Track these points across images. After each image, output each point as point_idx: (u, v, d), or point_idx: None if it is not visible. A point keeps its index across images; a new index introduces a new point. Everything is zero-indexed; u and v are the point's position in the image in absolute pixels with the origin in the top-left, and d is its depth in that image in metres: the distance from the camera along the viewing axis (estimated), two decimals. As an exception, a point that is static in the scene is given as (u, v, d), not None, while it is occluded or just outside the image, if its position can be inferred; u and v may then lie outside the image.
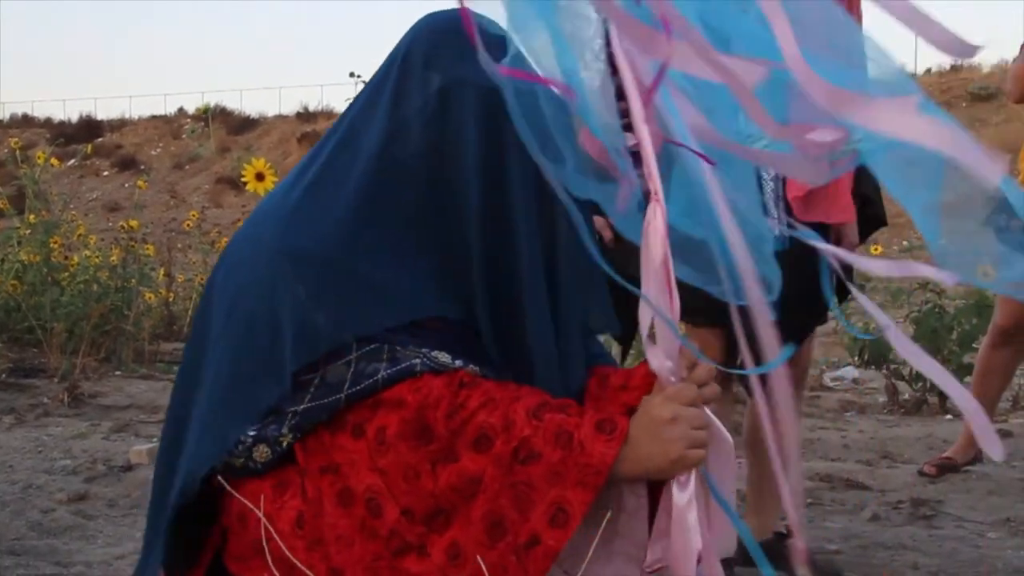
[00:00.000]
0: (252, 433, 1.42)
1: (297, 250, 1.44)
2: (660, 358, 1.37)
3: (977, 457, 3.88)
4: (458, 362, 1.42)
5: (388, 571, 1.36)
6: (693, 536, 1.34)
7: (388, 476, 1.37)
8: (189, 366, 1.56)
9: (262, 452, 1.43)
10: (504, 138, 1.43)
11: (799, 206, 2.39)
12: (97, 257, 6.88)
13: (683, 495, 1.35)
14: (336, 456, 1.41)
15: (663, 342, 1.36)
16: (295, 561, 1.39)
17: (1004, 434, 4.55)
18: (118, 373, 5.82)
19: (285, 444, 1.42)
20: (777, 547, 2.59)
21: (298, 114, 36.01)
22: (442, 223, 1.46)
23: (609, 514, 1.38)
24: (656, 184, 1.32)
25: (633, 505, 1.40)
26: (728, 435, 1.44)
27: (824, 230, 2.42)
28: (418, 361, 1.40)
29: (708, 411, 1.40)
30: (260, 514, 1.41)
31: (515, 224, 1.45)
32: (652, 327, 1.35)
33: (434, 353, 1.42)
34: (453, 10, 1.51)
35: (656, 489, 1.39)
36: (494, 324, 1.46)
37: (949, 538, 2.96)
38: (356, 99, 1.58)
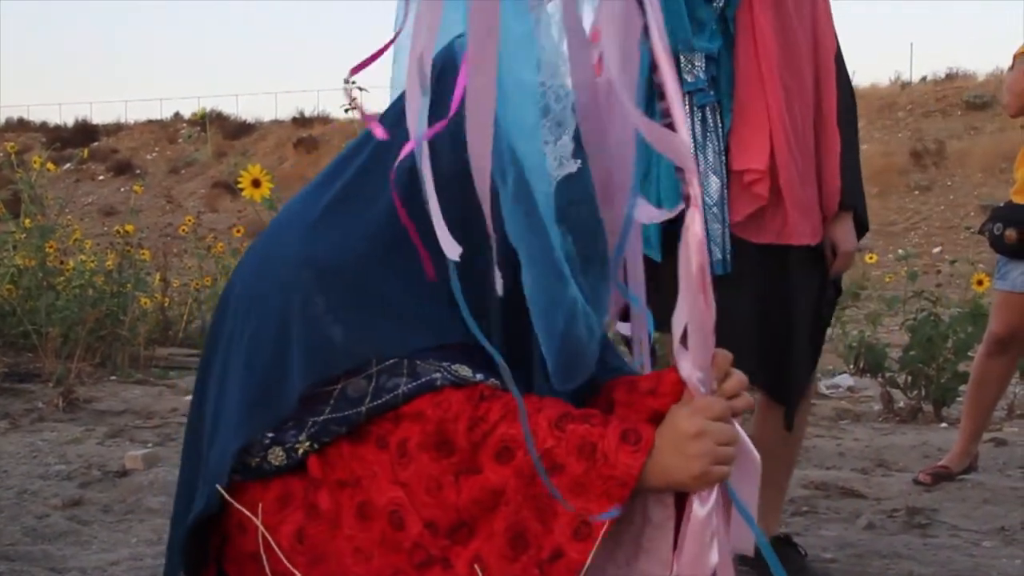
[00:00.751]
0: (270, 435, 1.42)
1: (320, 262, 1.42)
2: (691, 367, 1.34)
3: (972, 466, 3.89)
4: (479, 375, 1.41)
5: None
6: (709, 551, 1.32)
7: (410, 489, 1.36)
8: (203, 374, 1.56)
9: (277, 455, 1.42)
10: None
11: (749, 229, 2.36)
12: (93, 262, 6.87)
13: (703, 509, 1.33)
14: (356, 469, 1.39)
15: (696, 351, 1.33)
16: (297, 574, 1.38)
17: (999, 443, 4.55)
18: (113, 378, 5.81)
19: (301, 452, 1.42)
20: (777, 551, 2.59)
21: (294, 119, 36.01)
22: (465, 250, 1.44)
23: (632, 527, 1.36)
24: (696, 189, 1.30)
25: (660, 517, 1.37)
26: (755, 450, 1.41)
27: (784, 249, 2.39)
28: (439, 375, 1.39)
29: (737, 425, 1.38)
30: (258, 522, 1.41)
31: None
32: (685, 334, 1.32)
33: (455, 367, 1.40)
34: None
35: (683, 497, 1.37)
36: (509, 353, 1.42)
37: (944, 547, 2.96)
38: (387, 114, 1.55)
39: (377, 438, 1.39)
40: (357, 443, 1.40)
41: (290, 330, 1.41)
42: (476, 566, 1.32)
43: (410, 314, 1.42)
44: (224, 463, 1.42)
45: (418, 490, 1.35)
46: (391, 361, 1.40)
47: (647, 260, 2.19)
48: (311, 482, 1.42)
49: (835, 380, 6.53)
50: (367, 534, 1.37)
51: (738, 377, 1.41)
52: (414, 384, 1.38)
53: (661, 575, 1.36)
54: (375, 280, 1.43)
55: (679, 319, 1.31)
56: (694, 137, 2.35)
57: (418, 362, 1.40)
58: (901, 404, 5.42)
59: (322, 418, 1.40)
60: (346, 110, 5.58)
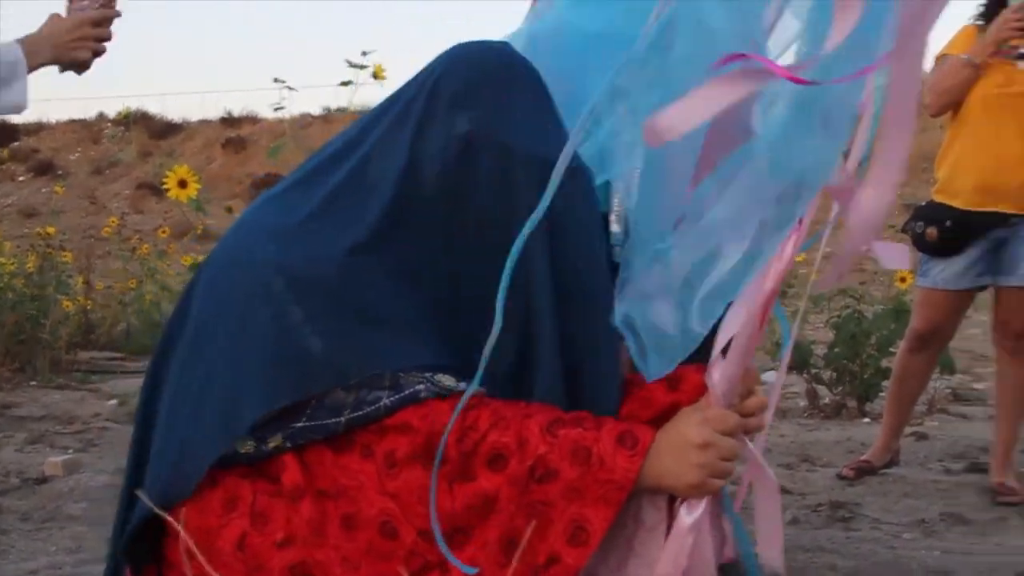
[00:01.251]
0: None
1: (297, 270, 1.39)
2: (721, 377, 1.34)
3: (894, 460, 3.96)
4: (462, 384, 1.38)
5: None
6: (681, 560, 1.33)
7: (401, 499, 1.34)
8: (154, 379, 1.51)
9: (246, 445, 1.39)
10: (517, 200, 1.40)
11: None
12: (12, 264, 6.72)
13: (689, 517, 1.34)
14: (341, 478, 1.37)
15: (731, 364, 1.33)
16: None
17: (920, 437, 4.64)
18: (33, 383, 5.68)
19: (272, 446, 1.38)
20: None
21: (222, 119, 35.52)
22: (450, 273, 1.41)
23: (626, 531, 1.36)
24: (808, 213, 1.29)
25: (653, 519, 1.37)
26: (771, 474, 1.43)
27: None
28: (422, 387, 1.36)
29: (750, 444, 1.40)
30: (179, 528, 1.37)
31: (531, 292, 1.40)
32: (729, 345, 1.33)
33: (437, 376, 1.38)
34: (493, 44, 1.47)
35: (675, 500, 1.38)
36: (499, 376, 1.41)
37: (866, 540, 3.01)
38: (376, 119, 1.51)
39: (362, 447, 1.37)
40: (340, 452, 1.37)
41: (264, 341, 1.37)
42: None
43: (392, 325, 1.39)
44: (189, 483, 1.38)
45: (410, 500, 1.34)
46: (372, 373, 1.37)
47: None
48: (291, 491, 1.38)
49: (762, 377, 6.61)
50: (353, 544, 1.35)
51: (760, 399, 1.42)
52: (397, 397, 1.36)
53: None
54: (356, 290, 1.39)
55: (727, 329, 1.31)
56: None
57: (400, 373, 1.37)
58: (826, 400, 5.50)
59: (299, 425, 1.37)
60: (275, 109, 5.50)
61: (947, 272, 3.67)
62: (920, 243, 3.71)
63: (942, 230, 3.64)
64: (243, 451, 1.39)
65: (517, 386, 1.42)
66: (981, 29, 3.58)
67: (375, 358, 1.38)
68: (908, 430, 4.41)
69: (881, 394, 5.13)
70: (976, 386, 6.13)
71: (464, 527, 1.33)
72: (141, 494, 1.38)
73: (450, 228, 1.41)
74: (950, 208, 3.63)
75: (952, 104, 3.62)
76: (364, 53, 3.98)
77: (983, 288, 3.74)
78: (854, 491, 3.65)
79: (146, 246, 8.46)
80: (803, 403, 5.62)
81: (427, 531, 1.33)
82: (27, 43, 2.08)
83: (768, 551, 1.39)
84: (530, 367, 1.41)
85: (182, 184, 4.51)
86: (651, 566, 1.35)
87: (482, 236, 1.40)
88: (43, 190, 29.94)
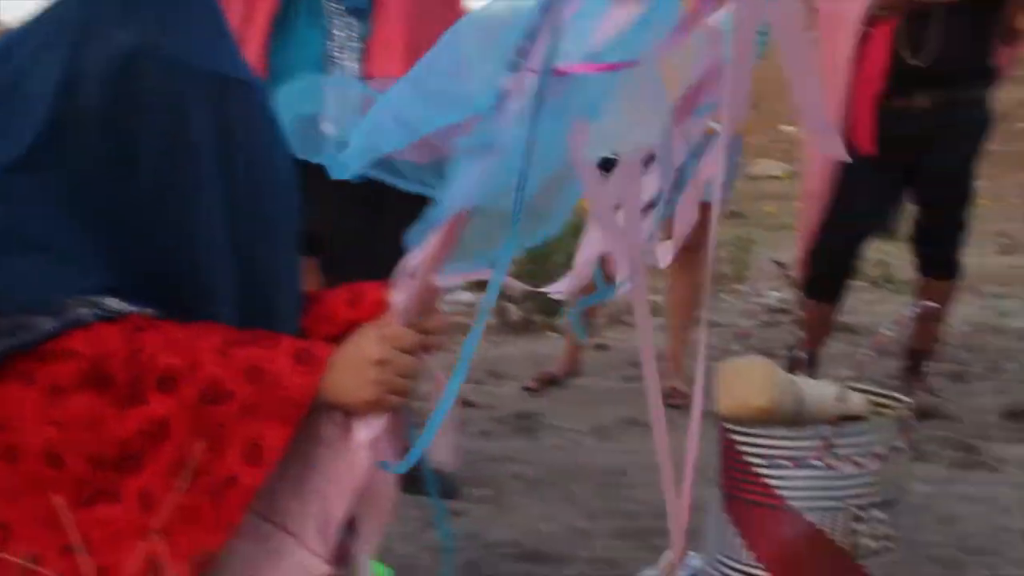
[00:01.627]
0: None
1: None
2: (404, 295, 1.35)
3: (575, 370, 4.15)
4: (129, 307, 1.31)
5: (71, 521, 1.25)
6: (358, 474, 1.34)
7: (67, 427, 1.26)
8: None
9: None
10: (186, 117, 1.33)
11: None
12: None
13: (365, 433, 1.34)
14: (0, 409, 1.26)
15: (416, 283, 1.35)
16: None
17: (600, 348, 4.89)
18: None
19: None
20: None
21: None
22: (116, 194, 1.33)
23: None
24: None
25: (331, 436, 1.35)
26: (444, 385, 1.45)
27: None
28: (86, 311, 1.28)
29: (429, 361, 1.39)
30: None
31: (192, 214, 1.35)
32: (417, 266, 1.34)
33: (104, 300, 1.30)
34: None
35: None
36: (172, 304, 1.35)
37: (549, 448, 3.16)
38: (30, 33, 1.39)
39: (20, 374, 1.27)
40: None
41: None
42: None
43: (53, 249, 1.31)
44: None
45: (76, 429, 1.26)
46: (31, 298, 1.28)
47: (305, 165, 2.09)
48: None
49: (454, 296, 6.74)
50: (16, 477, 1.26)
51: (440, 318, 1.43)
52: (60, 322, 1.27)
53: (328, 492, 1.36)
54: (11, 213, 1.29)
55: (419, 254, 1.34)
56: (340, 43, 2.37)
57: (64, 298, 1.28)
58: (515, 317, 5.68)
59: None
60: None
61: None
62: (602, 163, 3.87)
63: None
64: None
65: (193, 308, 1.36)
66: None
67: (33, 283, 1.29)
68: (591, 341, 4.63)
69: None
70: (653, 299, 6.51)
71: (136, 453, 1.27)
72: None
73: (115, 148, 1.33)
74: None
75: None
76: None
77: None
78: (538, 402, 3.81)
79: None
80: (494, 321, 5.78)
81: (96, 457, 1.27)
82: None
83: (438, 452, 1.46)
84: (206, 288, 1.38)
85: None
86: (330, 482, 1.36)
87: (150, 156, 1.33)
88: None
